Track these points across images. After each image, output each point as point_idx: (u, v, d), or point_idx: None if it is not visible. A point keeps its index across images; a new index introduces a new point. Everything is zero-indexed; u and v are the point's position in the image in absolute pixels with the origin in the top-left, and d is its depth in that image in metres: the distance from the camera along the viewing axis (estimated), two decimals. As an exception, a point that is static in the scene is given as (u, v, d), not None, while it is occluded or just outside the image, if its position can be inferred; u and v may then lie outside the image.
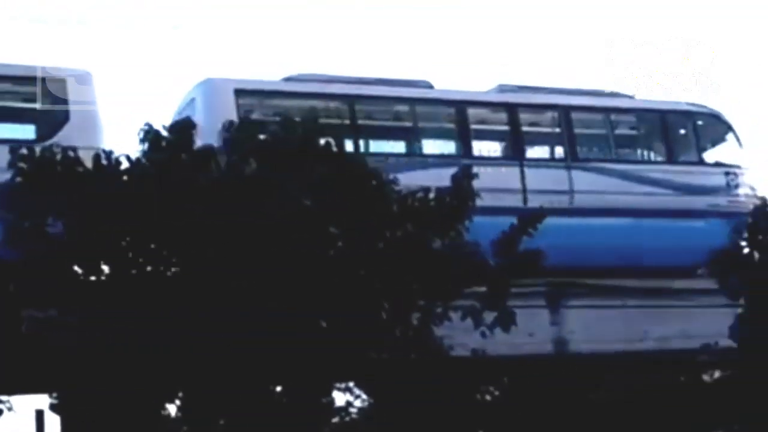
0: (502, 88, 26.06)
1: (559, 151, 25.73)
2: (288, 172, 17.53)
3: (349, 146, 20.79)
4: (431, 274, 18.27)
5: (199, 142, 18.45)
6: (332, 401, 21.50)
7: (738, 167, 26.31)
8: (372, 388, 22.37)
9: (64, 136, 20.40)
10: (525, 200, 23.89)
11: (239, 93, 23.08)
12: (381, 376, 19.24)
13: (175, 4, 54.82)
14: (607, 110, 26.43)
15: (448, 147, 25.75)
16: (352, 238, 17.65)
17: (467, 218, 18.95)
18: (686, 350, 23.75)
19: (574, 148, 25.54)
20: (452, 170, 19.65)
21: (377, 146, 24.95)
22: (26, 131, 22.23)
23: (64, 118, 21.68)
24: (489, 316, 18.62)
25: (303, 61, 50.34)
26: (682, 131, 26.85)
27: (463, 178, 19.15)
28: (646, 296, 24.30)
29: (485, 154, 25.60)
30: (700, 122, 26.76)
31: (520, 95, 25.85)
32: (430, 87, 25.37)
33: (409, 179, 19.72)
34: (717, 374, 25.56)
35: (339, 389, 21.72)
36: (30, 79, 21.60)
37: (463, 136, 25.14)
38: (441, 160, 23.74)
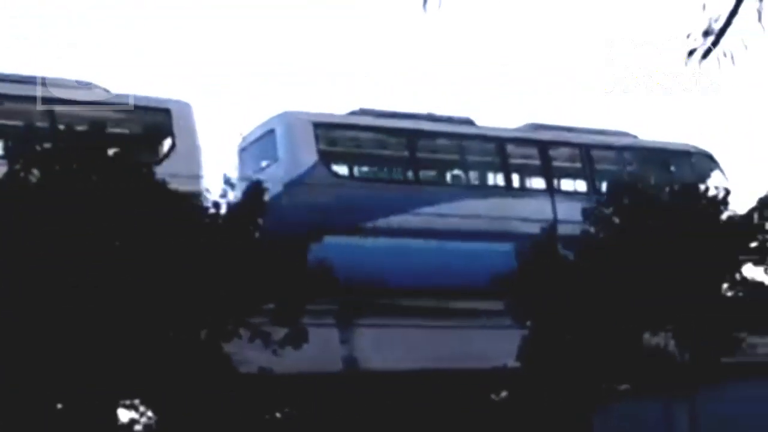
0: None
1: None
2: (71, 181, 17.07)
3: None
4: (223, 290, 18.13)
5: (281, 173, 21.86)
6: (116, 418, 20.96)
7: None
8: (158, 405, 21.90)
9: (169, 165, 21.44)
10: None
11: (317, 126, 24.87)
12: (167, 392, 18.86)
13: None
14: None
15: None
16: (134, 251, 17.23)
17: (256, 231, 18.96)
18: (477, 370, 24.05)
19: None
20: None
21: (429, 176, 27.40)
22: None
23: (169, 147, 23.04)
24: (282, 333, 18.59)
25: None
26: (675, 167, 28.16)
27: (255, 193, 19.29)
28: (440, 317, 24.53)
29: None
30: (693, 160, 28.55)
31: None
32: (472, 123, 27.47)
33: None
34: (504, 394, 26.00)
35: (124, 406, 21.12)
36: (138, 109, 22.73)
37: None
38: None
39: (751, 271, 22.82)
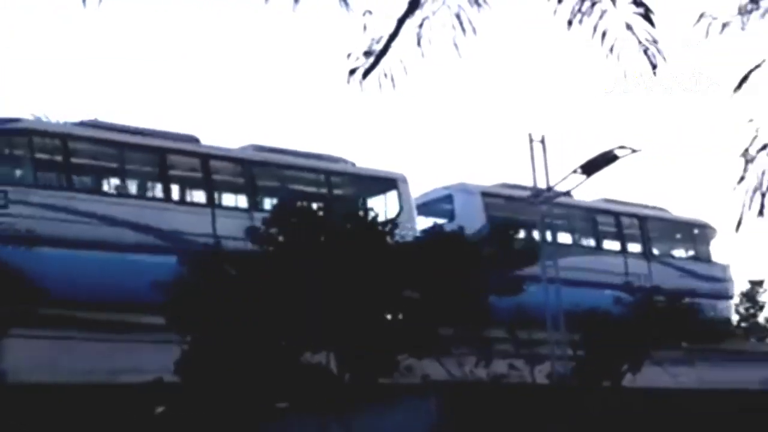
0: None
1: None
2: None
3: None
4: None
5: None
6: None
7: None
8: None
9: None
10: None
11: (484, 195, 31.52)
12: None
13: None
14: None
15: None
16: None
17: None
18: (134, 384, 23.49)
19: None
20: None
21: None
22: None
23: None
24: None
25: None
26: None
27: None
28: (96, 329, 23.86)
29: None
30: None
31: None
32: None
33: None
34: (161, 409, 25.44)
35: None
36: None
37: None
38: None
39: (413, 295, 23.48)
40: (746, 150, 9.35)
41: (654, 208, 37.62)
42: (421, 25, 10.36)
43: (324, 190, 29.12)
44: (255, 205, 27.74)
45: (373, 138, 60.72)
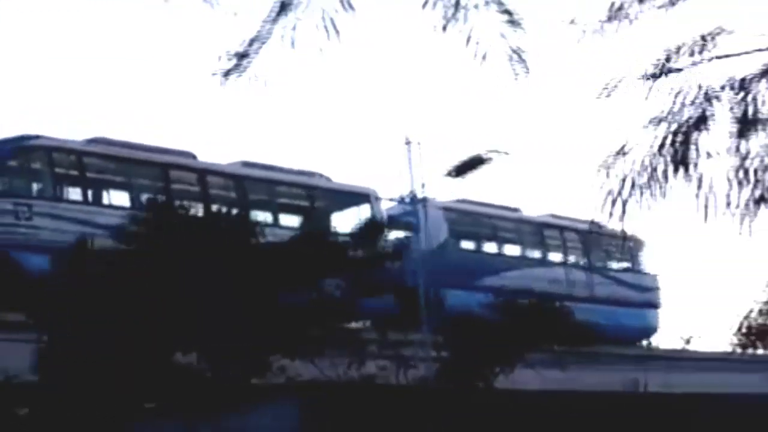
0: None
1: None
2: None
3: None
4: None
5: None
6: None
7: None
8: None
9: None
10: None
11: (446, 210, 32.79)
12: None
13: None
14: None
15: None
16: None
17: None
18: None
19: None
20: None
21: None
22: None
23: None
24: None
25: None
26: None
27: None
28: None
29: None
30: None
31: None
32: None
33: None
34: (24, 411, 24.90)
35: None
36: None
37: None
38: None
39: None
40: (608, 159, 9.47)
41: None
42: (293, 28, 10.26)
43: (303, 203, 30.78)
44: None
45: (249, 138, 60.27)
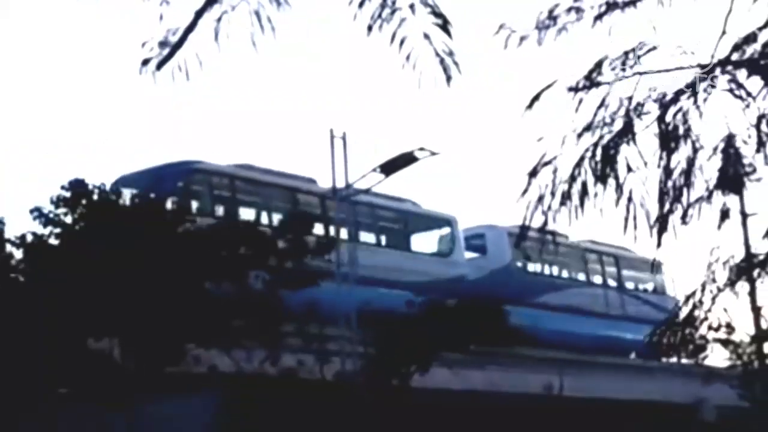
0: None
1: None
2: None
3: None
4: None
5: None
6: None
7: None
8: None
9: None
10: None
11: (510, 234, 33.93)
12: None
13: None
14: None
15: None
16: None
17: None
18: None
19: None
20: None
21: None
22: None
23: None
24: None
25: None
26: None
27: None
28: None
29: None
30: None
31: None
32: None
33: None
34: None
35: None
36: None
37: None
38: None
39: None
40: (534, 168, 9.49)
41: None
42: (219, 19, 10.15)
43: (398, 226, 34.39)
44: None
45: (171, 131, 59.53)
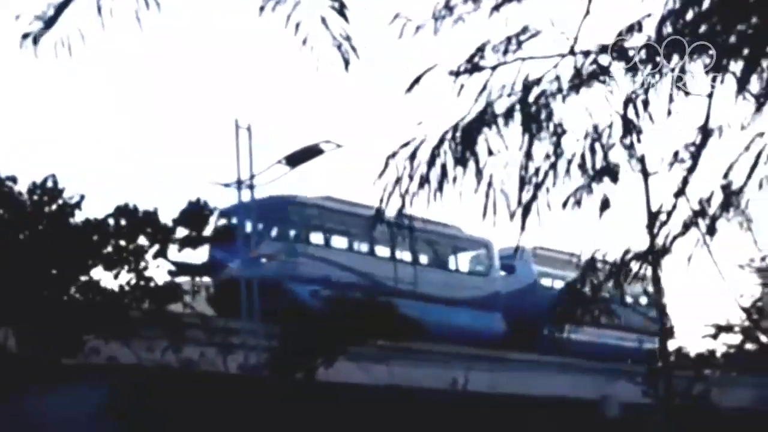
0: None
1: None
2: None
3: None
4: None
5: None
6: None
7: None
8: None
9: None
10: None
11: (534, 255, 39.85)
12: None
13: None
14: None
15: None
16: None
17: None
18: None
19: None
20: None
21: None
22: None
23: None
24: None
25: None
26: None
27: None
28: None
29: None
30: None
31: None
32: None
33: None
34: None
35: None
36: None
37: None
38: None
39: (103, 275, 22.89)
40: (394, 152, 9.36)
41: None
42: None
43: (445, 248, 37.63)
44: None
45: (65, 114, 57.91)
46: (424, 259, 36.91)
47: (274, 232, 33.43)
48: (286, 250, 31.82)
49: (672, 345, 33.13)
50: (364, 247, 35.32)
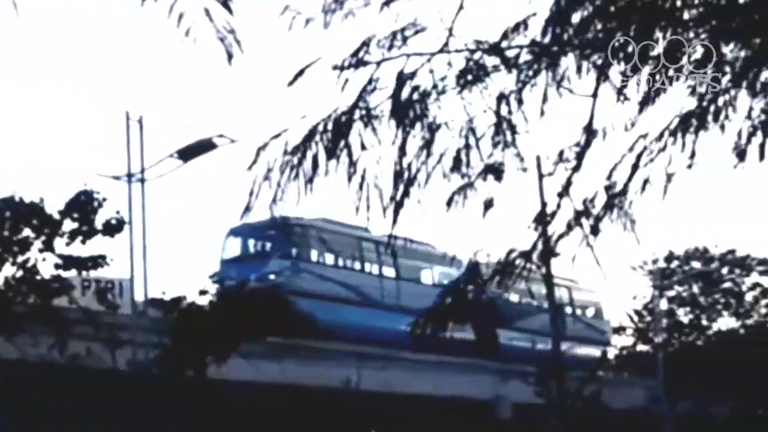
0: None
1: None
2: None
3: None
4: None
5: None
6: None
7: None
8: None
9: None
10: None
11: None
12: None
13: None
14: None
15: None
16: None
17: None
18: None
19: None
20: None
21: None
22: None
23: None
24: None
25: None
26: None
27: None
28: None
29: None
30: None
31: None
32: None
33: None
34: None
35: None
36: None
37: None
38: None
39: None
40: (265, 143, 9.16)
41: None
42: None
43: (426, 265, 39.42)
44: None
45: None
46: (412, 273, 39.26)
47: (280, 251, 35.93)
48: (291, 267, 34.95)
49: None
50: (356, 265, 38.11)
